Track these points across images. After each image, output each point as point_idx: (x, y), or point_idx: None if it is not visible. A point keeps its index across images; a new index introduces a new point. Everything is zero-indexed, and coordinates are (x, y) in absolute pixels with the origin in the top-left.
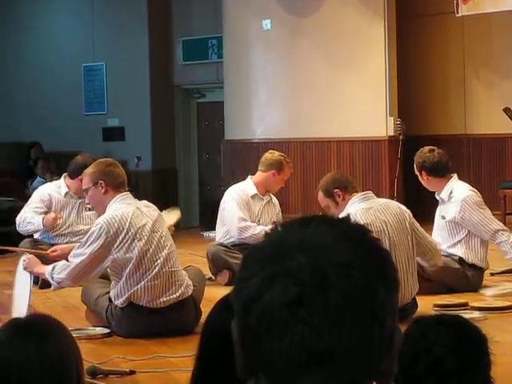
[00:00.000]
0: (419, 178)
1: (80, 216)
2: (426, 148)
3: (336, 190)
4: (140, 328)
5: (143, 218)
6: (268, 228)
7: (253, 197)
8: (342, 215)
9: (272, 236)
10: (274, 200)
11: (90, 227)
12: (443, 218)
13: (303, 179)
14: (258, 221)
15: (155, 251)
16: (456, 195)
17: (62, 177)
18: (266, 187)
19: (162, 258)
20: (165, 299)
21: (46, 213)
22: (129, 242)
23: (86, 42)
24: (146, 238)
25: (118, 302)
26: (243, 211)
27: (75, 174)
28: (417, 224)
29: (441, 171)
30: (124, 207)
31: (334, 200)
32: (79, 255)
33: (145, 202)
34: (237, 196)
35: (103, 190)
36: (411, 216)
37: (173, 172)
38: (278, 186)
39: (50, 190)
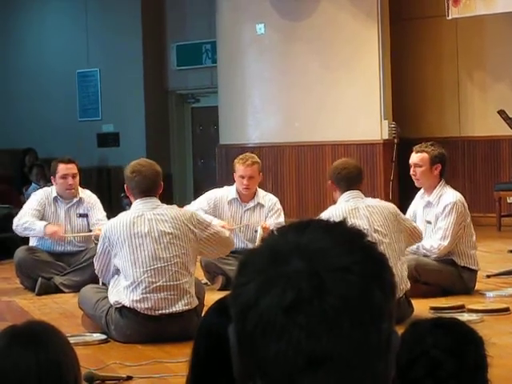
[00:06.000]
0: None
1: (71, 223)
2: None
3: (329, 182)
4: (140, 334)
5: (143, 226)
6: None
7: (230, 202)
8: (323, 216)
9: (268, 241)
10: (267, 204)
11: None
12: (429, 222)
13: (298, 183)
14: (241, 227)
15: (147, 261)
16: (445, 200)
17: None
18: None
19: (154, 270)
20: (163, 312)
21: (41, 218)
22: (118, 249)
23: (80, 47)
24: (137, 246)
25: (113, 302)
26: (203, 210)
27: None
28: (401, 215)
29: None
30: (124, 214)
31: (331, 188)
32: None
33: (168, 207)
34: (209, 198)
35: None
36: (396, 209)
37: (167, 177)
38: (240, 186)
39: (45, 195)
